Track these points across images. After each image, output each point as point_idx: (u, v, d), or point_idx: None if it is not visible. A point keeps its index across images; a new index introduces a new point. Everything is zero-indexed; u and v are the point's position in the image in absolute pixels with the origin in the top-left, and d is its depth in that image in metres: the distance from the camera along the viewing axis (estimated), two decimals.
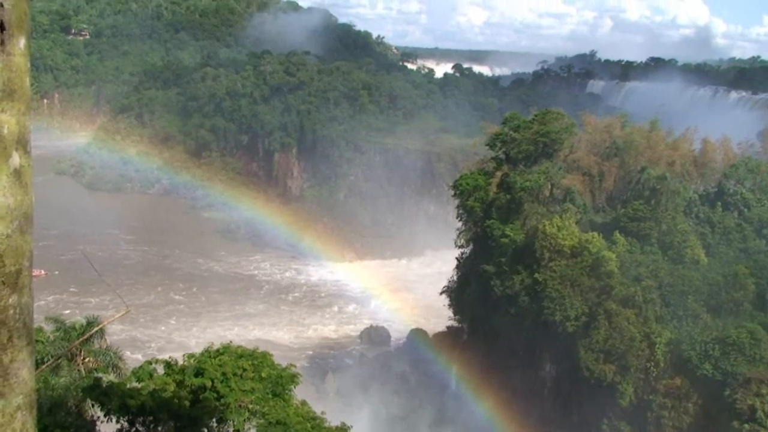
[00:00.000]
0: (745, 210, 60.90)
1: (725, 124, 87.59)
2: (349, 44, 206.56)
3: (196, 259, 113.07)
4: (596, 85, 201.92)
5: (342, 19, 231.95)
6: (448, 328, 71.05)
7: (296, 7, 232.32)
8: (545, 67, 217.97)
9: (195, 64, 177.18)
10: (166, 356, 33.88)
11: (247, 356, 35.51)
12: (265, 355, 36.03)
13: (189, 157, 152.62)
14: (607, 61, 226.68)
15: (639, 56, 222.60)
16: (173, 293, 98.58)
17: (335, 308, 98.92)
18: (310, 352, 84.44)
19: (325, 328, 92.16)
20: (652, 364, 48.81)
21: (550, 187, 60.74)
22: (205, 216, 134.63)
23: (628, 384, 48.96)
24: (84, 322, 33.56)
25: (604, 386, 49.49)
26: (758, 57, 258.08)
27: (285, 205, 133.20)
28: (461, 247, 67.66)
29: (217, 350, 35.78)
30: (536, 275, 52.84)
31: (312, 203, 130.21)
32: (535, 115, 67.09)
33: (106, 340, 34.28)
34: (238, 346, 36.41)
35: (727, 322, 49.83)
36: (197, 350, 34.22)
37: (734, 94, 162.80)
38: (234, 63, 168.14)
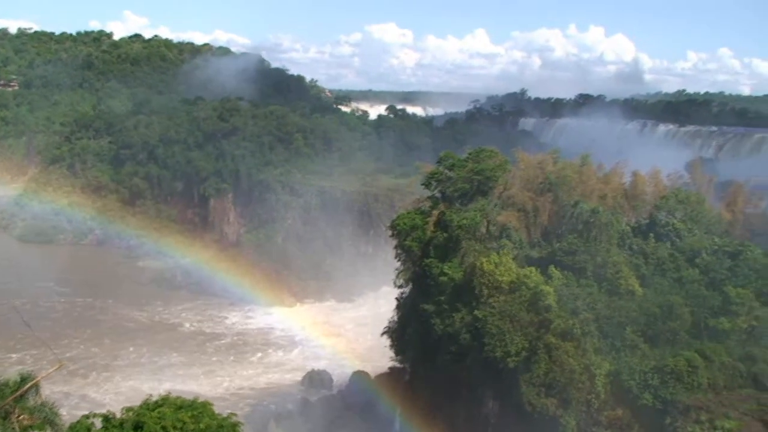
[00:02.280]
0: (677, 240, 62.17)
1: (654, 157, 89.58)
2: (283, 88, 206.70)
3: (128, 310, 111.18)
4: (528, 123, 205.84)
5: (275, 64, 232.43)
6: (390, 368, 70.70)
7: (228, 53, 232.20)
8: (477, 106, 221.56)
9: (127, 112, 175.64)
10: (80, 414, 33.06)
11: (186, 407, 34.90)
12: (205, 405, 35.45)
13: (123, 205, 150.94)
14: (537, 99, 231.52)
15: (568, 93, 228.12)
16: (96, 347, 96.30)
17: (276, 353, 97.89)
18: (251, 400, 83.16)
19: (265, 374, 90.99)
20: (593, 395, 49.13)
21: (486, 224, 61.21)
22: (140, 265, 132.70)
23: (571, 417, 49.15)
24: (18, 378, 32.58)
25: (547, 420, 49.59)
26: (683, 90, 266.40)
27: (222, 251, 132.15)
28: (401, 286, 67.60)
29: (156, 402, 35.12)
30: (476, 312, 52.94)
31: (249, 248, 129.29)
32: (469, 154, 67.70)
33: (41, 395, 33.31)
34: (177, 397, 35.79)
35: (665, 351, 50.56)
36: (113, 407, 33.46)
37: (662, 127, 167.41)
38: (167, 110, 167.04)
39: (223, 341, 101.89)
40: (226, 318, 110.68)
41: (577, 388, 49.23)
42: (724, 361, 50.79)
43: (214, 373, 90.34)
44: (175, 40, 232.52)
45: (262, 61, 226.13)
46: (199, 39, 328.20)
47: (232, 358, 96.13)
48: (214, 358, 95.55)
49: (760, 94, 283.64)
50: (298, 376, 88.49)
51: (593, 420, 49.42)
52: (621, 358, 50.85)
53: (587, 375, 49.41)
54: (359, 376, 78.82)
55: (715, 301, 54.94)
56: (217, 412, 35.36)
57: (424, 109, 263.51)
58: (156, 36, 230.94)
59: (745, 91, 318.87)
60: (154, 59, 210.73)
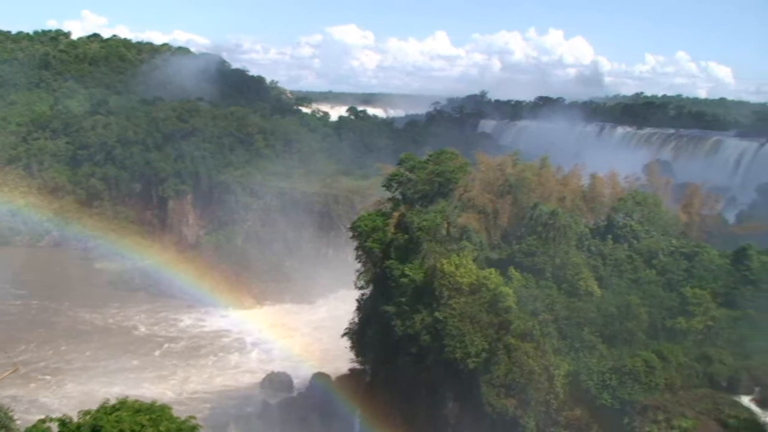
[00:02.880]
0: (635, 241, 62.83)
1: (612, 159, 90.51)
2: (243, 89, 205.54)
3: (84, 312, 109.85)
4: (488, 125, 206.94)
5: (235, 65, 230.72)
6: (350, 370, 70.56)
7: (188, 53, 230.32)
8: (438, 108, 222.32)
9: (85, 112, 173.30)
10: (31, 418, 32.61)
11: (145, 410, 34.55)
12: (164, 409, 35.13)
13: (80, 207, 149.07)
14: (497, 101, 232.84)
15: (528, 96, 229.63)
16: (50, 350, 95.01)
17: (235, 356, 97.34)
18: (210, 403, 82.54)
19: (224, 377, 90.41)
20: (552, 396, 49.48)
21: (446, 225, 61.33)
22: (97, 267, 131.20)
23: (530, 417, 49.44)
24: None
25: (507, 420, 49.84)
26: (641, 93, 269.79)
27: (181, 253, 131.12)
28: (361, 288, 67.50)
29: (113, 406, 34.71)
30: (436, 313, 53.00)
31: (209, 250, 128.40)
32: (430, 156, 67.91)
33: None
34: (135, 401, 35.42)
35: (623, 352, 51.05)
36: (63, 411, 33.02)
37: (620, 130, 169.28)
38: (125, 110, 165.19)
39: (180, 344, 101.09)
40: (184, 320, 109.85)
41: (537, 389, 49.53)
42: (680, 362, 51.42)
43: (170, 377, 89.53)
44: (134, 40, 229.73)
45: (222, 61, 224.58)
46: (158, 39, 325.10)
47: (189, 361, 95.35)
48: (171, 361, 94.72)
49: (717, 97, 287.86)
50: (258, 379, 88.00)
51: (552, 420, 49.76)
52: (580, 359, 51.25)
53: (546, 375, 49.74)
54: (319, 377, 78.56)
55: (672, 301, 55.64)
56: (175, 415, 35.06)
57: (385, 110, 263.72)
58: (114, 36, 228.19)
59: (702, 94, 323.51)
60: (113, 59, 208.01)
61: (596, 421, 48.93)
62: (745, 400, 50.86)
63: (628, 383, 48.16)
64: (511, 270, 55.89)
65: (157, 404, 35.50)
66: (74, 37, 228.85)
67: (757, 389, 51.52)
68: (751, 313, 56.87)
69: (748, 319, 56.39)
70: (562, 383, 49.76)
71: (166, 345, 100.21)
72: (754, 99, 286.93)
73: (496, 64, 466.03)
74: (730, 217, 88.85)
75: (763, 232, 72.52)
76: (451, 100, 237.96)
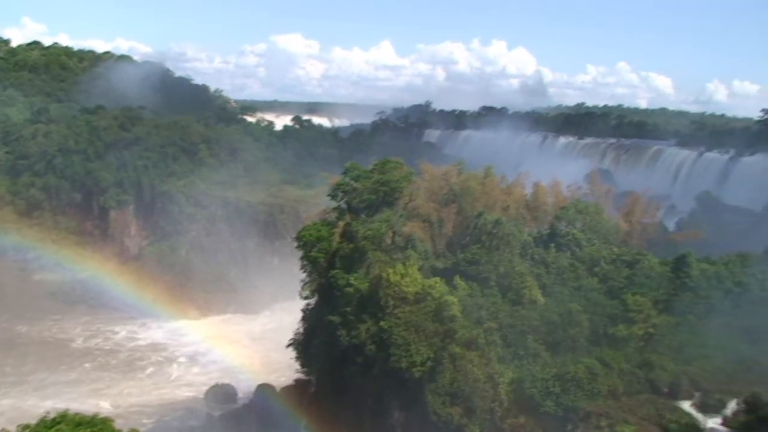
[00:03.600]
0: (577, 250, 63.63)
1: (555, 168, 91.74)
2: (187, 98, 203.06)
3: (21, 324, 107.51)
4: (433, 134, 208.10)
5: (178, 73, 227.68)
6: (296, 381, 70.04)
7: (131, 62, 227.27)
8: (383, 117, 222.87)
9: (24, 120, 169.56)
10: None
11: (86, 424, 33.97)
12: (105, 422, 34.58)
13: (19, 217, 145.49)
14: (442, 111, 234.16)
15: (472, 105, 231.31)
16: None
17: (178, 367, 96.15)
18: (152, 416, 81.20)
19: (167, 390, 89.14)
20: (497, 404, 49.75)
21: (392, 234, 61.41)
22: (36, 278, 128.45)
23: (475, 425, 49.63)
24: None
25: (452, 429, 49.95)
26: (583, 103, 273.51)
27: (123, 264, 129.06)
28: (306, 298, 67.13)
29: (54, 419, 34.04)
30: (382, 323, 52.92)
31: (152, 261, 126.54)
32: (375, 165, 67.96)
33: None
34: (77, 414, 34.77)
35: (566, 359, 51.62)
36: None
37: (562, 140, 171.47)
38: (66, 119, 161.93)
39: (120, 356, 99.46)
40: (124, 332, 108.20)
41: (481, 397, 49.77)
42: (622, 368, 52.21)
43: (107, 390, 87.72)
44: (76, 48, 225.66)
45: (165, 70, 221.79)
46: (100, 47, 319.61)
47: (129, 373, 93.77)
48: (109, 374, 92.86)
49: (657, 107, 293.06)
50: (202, 391, 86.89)
51: (497, 428, 50.03)
52: (524, 366, 51.69)
53: (491, 383, 50.01)
54: (264, 389, 77.84)
55: (613, 309, 56.43)
56: (117, 428, 34.52)
57: (330, 119, 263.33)
58: (55, 43, 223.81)
59: (643, 104, 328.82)
60: (54, 67, 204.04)
61: (540, 428, 49.34)
62: (686, 405, 51.79)
63: (571, 390, 48.65)
64: (456, 279, 56.15)
65: (99, 417, 34.92)
66: (14, 44, 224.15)
67: (697, 394, 52.52)
68: (691, 320, 58.07)
69: (688, 325, 57.54)
70: (506, 391, 50.10)
71: (104, 358, 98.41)
72: (693, 109, 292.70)
73: (440, 74, 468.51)
74: (670, 225, 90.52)
75: (702, 239, 74.00)
76: (396, 110, 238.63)
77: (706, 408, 51.78)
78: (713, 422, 50.72)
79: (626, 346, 54.82)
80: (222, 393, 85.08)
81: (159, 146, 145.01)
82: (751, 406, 50.86)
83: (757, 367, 54.29)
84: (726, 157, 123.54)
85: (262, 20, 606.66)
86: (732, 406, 51.63)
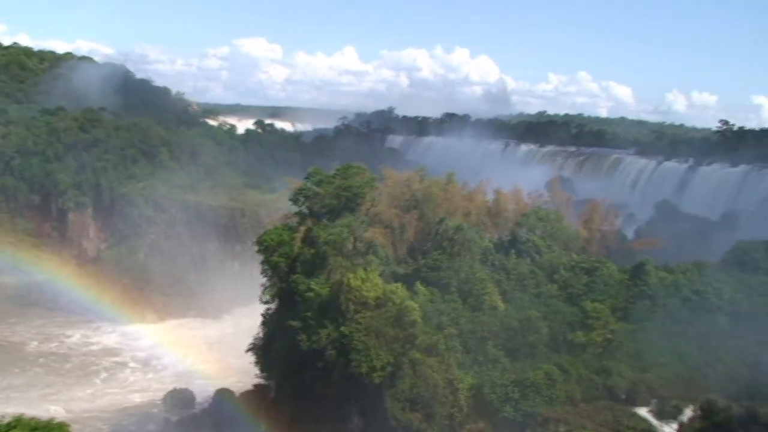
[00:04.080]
0: (537, 256, 64.09)
1: (516, 175, 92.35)
2: (148, 100, 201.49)
3: None
4: (395, 140, 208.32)
5: (140, 75, 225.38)
6: (255, 386, 69.59)
7: (92, 63, 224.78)
8: (346, 123, 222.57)
9: None
10: None
11: (41, 429, 33.46)
12: (62, 427, 34.09)
13: None
14: (404, 117, 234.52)
15: (435, 112, 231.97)
16: None
17: (136, 372, 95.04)
18: (109, 422, 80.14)
19: (124, 394, 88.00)
20: (456, 409, 49.89)
21: (353, 240, 61.32)
22: None
23: (434, 431, 49.74)
24: None
25: None
26: (544, 112, 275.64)
27: (81, 267, 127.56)
28: (267, 303, 66.71)
29: (8, 424, 33.45)
30: (342, 328, 52.81)
31: (110, 264, 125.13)
32: (337, 170, 67.84)
33: None
34: (32, 418, 34.23)
35: (525, 365, 51.93)
36: None
37: (524, 147, 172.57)
38: (25, 120, 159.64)
39: (76, 360, 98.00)
40: (81, 336, 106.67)
41: (441, 403, 49.87)
42: (581, 374, 52.62)
43: (64, 394, 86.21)
44: (36, 48, 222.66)
45: (126, 71, 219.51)
46: (61, 48, 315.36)
47: (85, 378, 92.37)
48: (64, 379, 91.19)
49: (617, 116, 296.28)
50: (159, 396, 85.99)
51: None
52: (483, 372, 51.90)
53: (450, 389, 50.15)
54: (223, 394, 77.25)
55: (572, 315, 56.92)
56: None
57: (293, 124, 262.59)
58: (15, 43, 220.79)
59: (603, 113, 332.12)
60: (13, 67, 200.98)
61: None
62: (643, 411, 52.33)
63: (530, 396, 48.96)
64: (417, 284, 56.29)
65: (55, 422, 34.42)
66: None
67: (654, 401, 53.12)
68: (649, 327, 58.73)
69: (645, 332, 58.18)
70: (465, 396, 50.27)
71: (58, 362, 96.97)
72: (653, 119, 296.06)
73: (403, 81, 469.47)
74: (629, 233, 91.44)
75: (660, 247, 74.86)
76: (359, 115, 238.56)
77: (662, 414, 52.39)
78: (669, 428, 51.37)
79: (584, 352, 55.32)
80: (180, 398, 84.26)
81: (119, 148, 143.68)
82: (706, 412, 51.60)
83: (712, 375, 55.10)
84: (684, 166, 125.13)
85: (226, 23, 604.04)
86: (688, 412, 52.33)
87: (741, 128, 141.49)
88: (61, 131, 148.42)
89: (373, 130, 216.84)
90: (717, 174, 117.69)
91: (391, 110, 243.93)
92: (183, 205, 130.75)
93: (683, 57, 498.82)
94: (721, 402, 51.90)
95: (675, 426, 51.63)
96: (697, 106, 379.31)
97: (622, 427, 49.71)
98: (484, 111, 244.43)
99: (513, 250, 63.73)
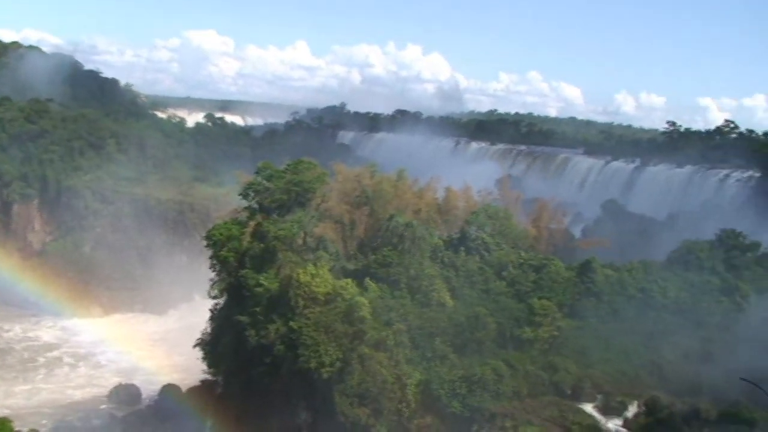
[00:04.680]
0: (486, 254, 64.49)
1: (467, 173, 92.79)
2: (96, 91, 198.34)
3: None
4: (346, 136, 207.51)
5: (88, 66, 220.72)
6: (202, 381, 69.05)
7: (40, 53, 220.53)
8: (297, 118, 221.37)
9: None
10: None
11: None
12: (4, 422, 33.67)
13: None
14: (356, 113, 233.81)
15: (386, 109, 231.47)
16: None
17: (80, 367, 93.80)
18: (52, 417, 78.81)
19: (69, 390, 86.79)
20: (404, 405, 50.06)
21: (303, 235, 61.16)
22: None
23: (382, 426, 49.84)
24: None
25: (359, 430, 50.08)
26: (495, 110, 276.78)
27: (25, 260, 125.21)
28: (215, 298, 66.33)
29: None
30: (291, 323, 52.74)
31: (56, 257, 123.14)
32: (288, 165, 67.61)
33: None
34: None
35: (472, 361, 52.23)
36: None
37: (474, 145, 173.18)
38: None
39: (18, 355, 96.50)
40: (22, 330, 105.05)
41: (389, 398, 50.02)
42: (527, 370, 53.14)
43: (3, 389, 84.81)
44: None
45: (75, 62, 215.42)
46: (7, 37, 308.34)
47: (26, 373, 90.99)
48: (5, 374, 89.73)
49: (566, 116, 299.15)
50: (104, 391, 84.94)
51: (404, 428, 50.35)
52: (431, 368, 52.09)
53: (399, 385, 50.31)
54: (169, 389, 76.63)
55: (520, 312, 57.39)
56: (16, 429, 33.56)
57: (244, 118, 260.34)
58: None
59: (553, 112, 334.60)
60: None
61: (446, 428, 49.92)
62: (588, 407, 53.07)
63: (477, 391, 49.30)
64: (367, 280, 56.30)
65: None
66: None
67: (599, 397, 53.88)
68: (595, 324, 59.62)
69: (591, 329, 59.05)
70: (414, 392, 50.45)
71: (4, 356, 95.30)
72: (601, 119, 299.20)
73: (356, 77, 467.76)
74: (576, 231, 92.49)
75: (606, 246, 75.88)
76: (310, 111, 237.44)
77: (607, 410, 53.21)
78: (614, 424, 52.18)
79: (531, 348, 55.86)
80: (126, 393, 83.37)
81: (66, 140, 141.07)
82: (650, 408, 52.55)
83: (657, 372, 56.09)
84: (632, 166, 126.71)
85: (177, 15, 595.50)
86: (632, 408, 53.23)
87: (687, 129, 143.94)
88: (6, 122, 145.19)
89: (324, 126, 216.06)
90: (663, 174, 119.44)
91: (342, 106, 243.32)
92: (130, 198, 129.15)
93: (632, 59, 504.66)
94: (665, 399, 52.91)
95: (619, 422, 52.46)
96: (645, 107, 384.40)
97: (567, 422, 50.34)
98: (437, 108, 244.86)
99: (462, 248, 64.04)
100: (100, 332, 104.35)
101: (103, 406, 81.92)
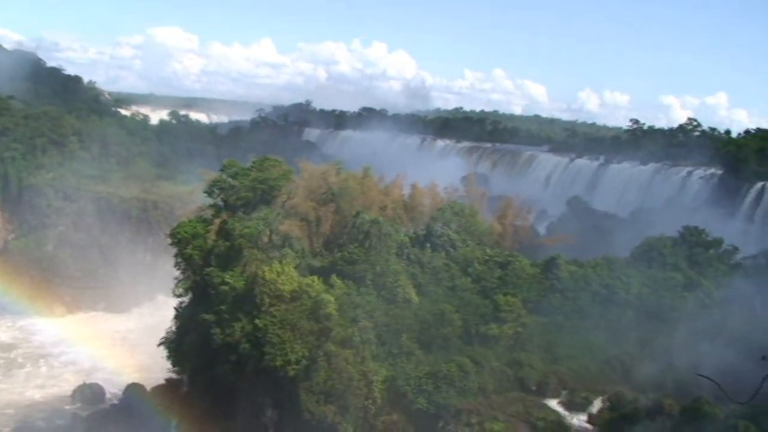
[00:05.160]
0: (452, 250, 64.72)
1: (432, 170, 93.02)
2: (58, 89, 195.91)
3: None
4: (312, 134, 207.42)
5: (51, 63, 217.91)
6: (167, 380, 68.54)
7: (1, 50, 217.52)
8: (262, 115, 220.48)
9: None
10: None
11: None
12: None
13: None
14: (322, 111, 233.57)
15: (352, 106, 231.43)
16: None
17: (43, 367, 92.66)
18: (13, 417, 77.95)
19: (31, 390, 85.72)
20: (371, 401, 50.12)
21: (269, 233, 60.93)
22: None
23: (349, 423, 49.85)
24: None
25: (326, 427, 50.03)
26: (460, 108, 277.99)
27: None
28: (180, 296, 65.88)
29: None
30: (257, 321, 52.57)
31: (18, 256, 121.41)
32: (254, 162, 67.35)
33: None
34: None
35: (438, 357, 52.48)
36: None
37: (440, 142, 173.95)
38: None
39: None
40: None
41: (355, 395, 50.03)
42: (493, 366, 53.49)
43: None
44: None
45: (37, 59, 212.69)
46: None
47: (3, 371, 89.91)
48: None
49: (531, 113, 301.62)
50: (68, 391, 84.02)
51: (370, 425, 50.42)
52: (397, 365, 52.23)
53: (365, 382, 50.34)
54: (134, 388, 75.87)
55: (485, 308, 57.66)
56: None
57: (208, 115, 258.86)
58: None
59: (517, 110, 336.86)
60: None
61: (412, 425, 50.04)
62: (553, 402, 53.56)
63: (443, 388, 49.47)
64: (333, 277, 56.26)
65: None
66: None
67: (564, 393, 54.42)
68: (560, 320, 60.10)
69: (556, 325, 59.55)
70: (380, 389, 50.53)
71: None
72: (565, 116, 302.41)
73: (321, 74, 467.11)
74: (541, 228, 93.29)
75: (571, 243, 76.49)
76: (276, 108, 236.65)
77: (572, 406, 53.73)
78: (579, 419, 52.63)
79: (497, 344, 56.22)
80: (90, 393, 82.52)
81: (28, 137, 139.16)
82: (614, 404, 53.15)
83: (620, 367, 56.74)
84: (596, 164, 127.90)
85: (140, 11, 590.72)
86: (597, 404, 53.81)
87: (651, 127, 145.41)
88: None
89: (290, 123, 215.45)
90: (627, 172, 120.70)
91: (308, 103, 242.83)
92: (94, 196, 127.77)
93: (596, 57, 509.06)
94: (629, 394, 53.51)
95: (584, 417, 52.95)
96: (609, 105, 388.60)
97: (532, 418, 50.71)
98: (403, 106, 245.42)
99: (428, 244, 64.22)
100: (63, 331, 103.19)
101: (67, 406, 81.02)
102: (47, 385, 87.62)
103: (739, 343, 51.28)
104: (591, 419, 52.83)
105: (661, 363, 55.78)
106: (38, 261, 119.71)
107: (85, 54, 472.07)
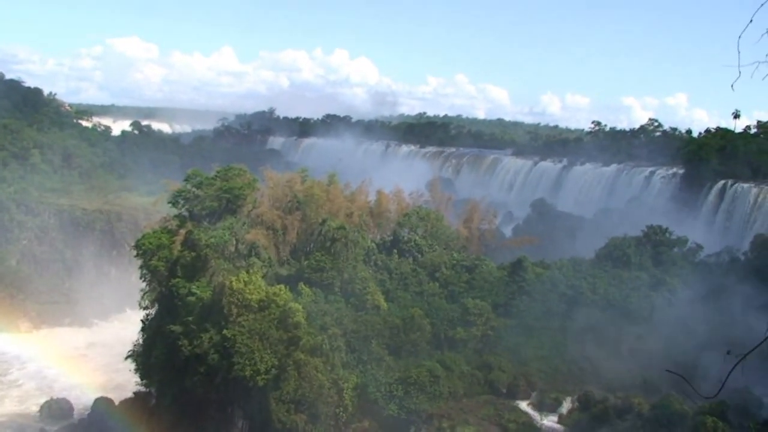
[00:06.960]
0: (419, 255, 64.92)
1: (398, 176, 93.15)
2: (18, 101, 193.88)
3: None
4: (276, 142, 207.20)
5: (10, 75, 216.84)
6: (135, 393, 67.86)
7: None
8: (225, 124, 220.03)
9: None
10: None
11: None
12: None
13: None
14: (286, 118, 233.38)
15: (315, 113, 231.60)
16: None
17: (7, 383, 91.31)
18: None
19: None
20: (341, 409, 50.02)
21: (235, 242, 60.67)
22: None
23: (320, 431, 49.73)
24: None
25: None
26: (424, 113, 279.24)
27: None
28: (146, 308, 65.30)
29: None
30: (225, 331, 52.19)
31: None
32: (218, 172, 66.95)
33: None
34: None
35: (408, 363, 52.52)
36: None
37: (405, 148, 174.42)
38: None
39: None
40: None
41: (326, 403, 49.89)
42: (463, 370, 53.65)
43: None
44: None
45: None
46: None
47: None
48: None
49: (494, 117, 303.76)
50: (35, 407, 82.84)
51: None
52: (368, 371, 52.18)
53: (335, 389, 50.24)
54: (102, 402, 74.90)
55: (454, 312, 57.93)
56: None
57: (171, 125, 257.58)
58: None
59: (481, 114, 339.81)
60: None
61: (384, 431, 49.96)
62: (524, 404, 53.81)
63: (413, 393, 49.54)
64: (301, 285, 56.14)
65: None
66: None
67: (534, 394, 54.70)
68: (528, 322, 60.44)
69: (524, 327, 59.90)
70: (350, 396, 50.43)
71: None
72: (528, 120, 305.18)
73: (284, 81, 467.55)
74: (507, 231, 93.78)
75: (537, 245, 77.01)
76: (239, 117, 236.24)
77: (542, 407, 54.06)
78: (549, 420, 52.92)
79: (466, 348, 56.47)
80: (57, 408, 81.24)
81: None
82: (584, 404, 53.50)
83: (589, 367, 57.12)
84: (559, 166, 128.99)
85: (99, 22, 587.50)
86: (567, 404, 54.11)
87: (612, 128, 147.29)
88: None
89: (253, 132, 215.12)
90: (590, 173, 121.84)
91: (271, 111, 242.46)
92: (57, 209, 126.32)
93: (556, 60, 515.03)
94: (598, 394, 53.94)
95: (555, 418, 53.27)
96: (571, 107, 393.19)
97: (503, 420, 50.95)
98: (367, 112, 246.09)
99: (395, 250, 64.38)
100: (29, 347, 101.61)
101: (35, 423, 79.85)
102: (12, 402, 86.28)
103: (704, 339, 51.94)
104: (561, 420, 53.20)
105: (629, 362, 56.30)
106: (2, 276, 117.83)
107: (45, 66, 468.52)
